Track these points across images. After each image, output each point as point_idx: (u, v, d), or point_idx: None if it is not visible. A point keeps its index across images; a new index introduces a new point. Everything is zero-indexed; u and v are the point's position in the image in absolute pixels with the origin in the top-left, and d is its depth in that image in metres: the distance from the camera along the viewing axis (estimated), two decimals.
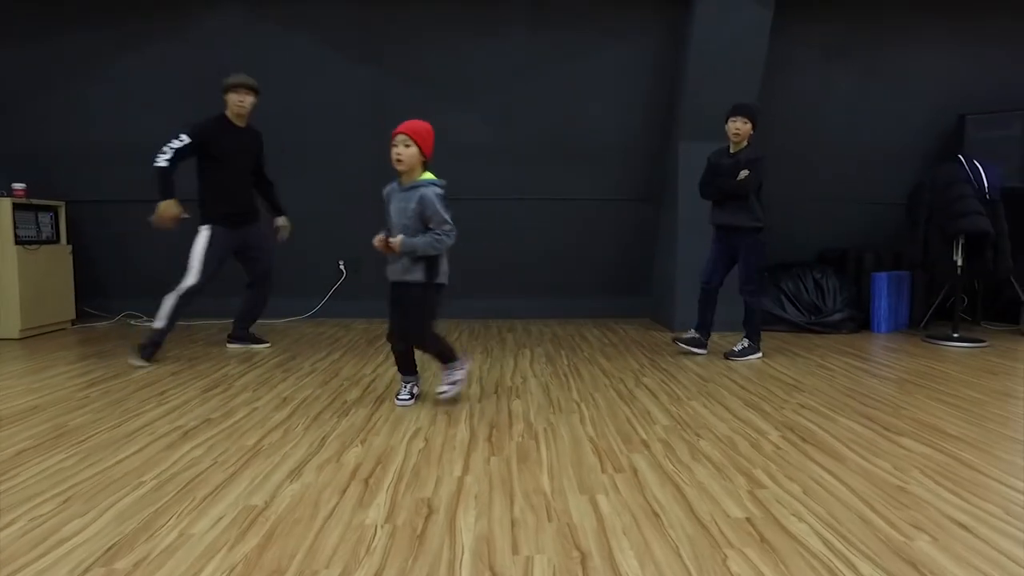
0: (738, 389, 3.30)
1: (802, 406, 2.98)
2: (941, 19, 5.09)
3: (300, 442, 2.45)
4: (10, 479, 2.10)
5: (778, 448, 2.40)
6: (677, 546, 1.67)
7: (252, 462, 2.24)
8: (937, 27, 5.12)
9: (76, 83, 5.16)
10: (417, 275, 2.83)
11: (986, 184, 4.59)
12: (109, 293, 5.65)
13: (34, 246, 4.79)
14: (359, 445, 2.42)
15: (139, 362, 3.77)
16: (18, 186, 4.77)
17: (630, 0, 4.90)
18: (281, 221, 4.34)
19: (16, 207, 4.65)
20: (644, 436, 2.55)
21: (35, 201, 4.86)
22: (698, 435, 2.56)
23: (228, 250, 4.06)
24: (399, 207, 2.83)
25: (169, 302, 3.84)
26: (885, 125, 5.36)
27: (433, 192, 2.80)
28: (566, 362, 3.94)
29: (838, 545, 1.68)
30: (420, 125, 2.80)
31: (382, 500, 1.94)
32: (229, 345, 4.35)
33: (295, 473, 2.14)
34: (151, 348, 3.83)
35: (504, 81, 5.18)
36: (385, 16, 4.95)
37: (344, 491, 2.00)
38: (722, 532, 1.74)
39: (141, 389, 3.24)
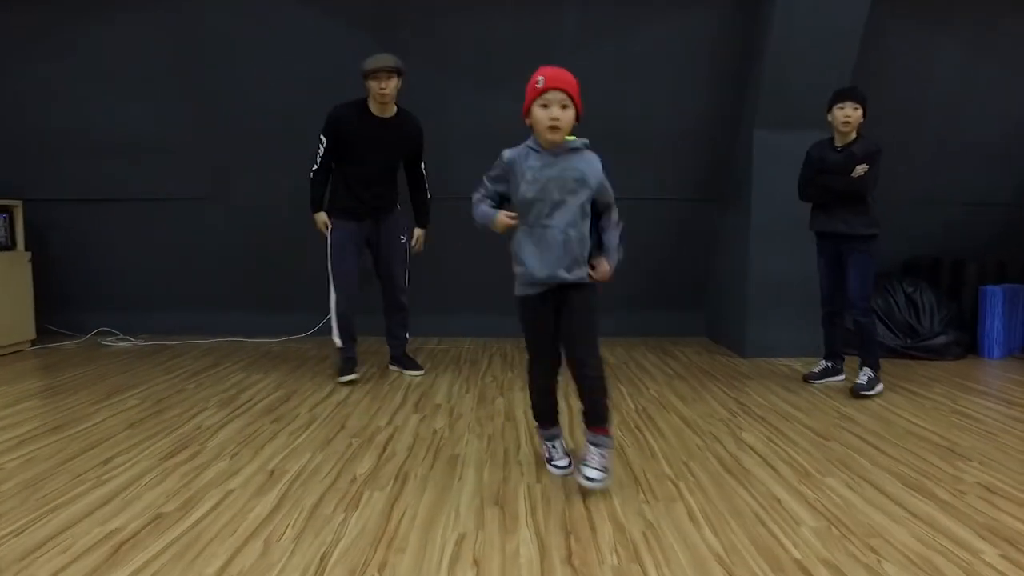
0: (877, 455, 2.46)
1: (988, 489, 2.15)
2: None
3: (286, 567, 1.63)
4: None
5: None
6: None
7: None
8: None
9: (33, 60, 4.34)
10: (583, 272, 2.10)
11: None
12: (78, 307, 4.83)
13: None
14: (376, 574, 1.60)
15: (342, 378, 3.43)
16: None
17: None
18: (417, 232, 3.67)
19: None
20: (796, 553, 1.72)
21: None
22: (873, 550, 1.73)
23: (355, 245, 3.48)
24: (553, 180, 2.06)
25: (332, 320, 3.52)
26: (996, 110, 4.47)
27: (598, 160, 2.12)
28: (632, 405, 3.12)
29: None
30: (571, 77, 2.08)
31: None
32: (390, 366, 3.79)
33: None
34: (343, 366, 3.48)
35: (538, 58, 4.32)
36: None
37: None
38: None
39: (83, 453, 2.42)
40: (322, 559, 1.68)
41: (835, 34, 3.89)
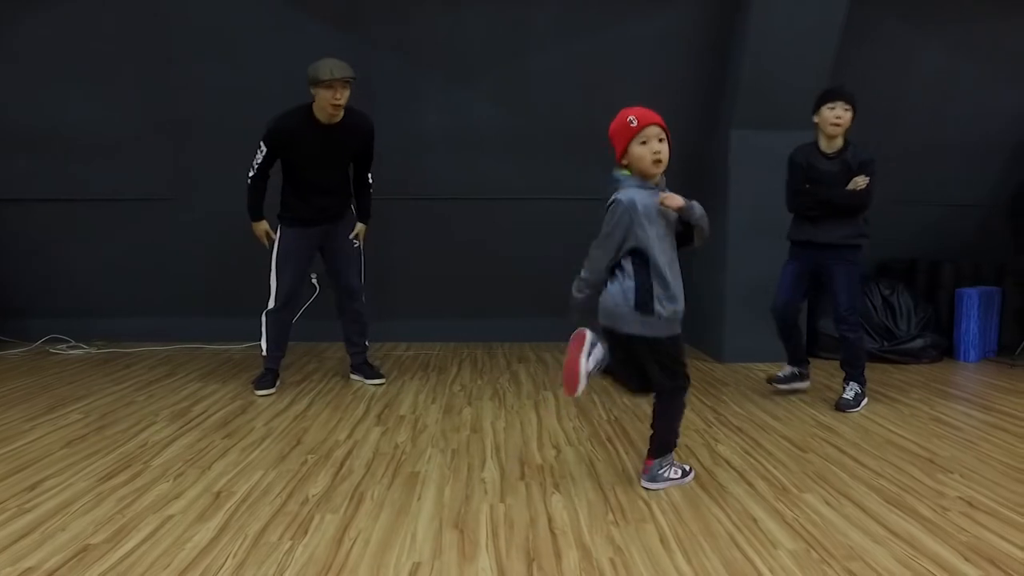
0: (857, 468, 2.37)
1: (968, 503, 2.06)
2: None
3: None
4: None
5: None
6: None
7: None
8: None
9: None
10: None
11: None
12: (26, 312, 4.60)
13: None
14: None
15: (259, 392, 3.28)
16: None
17: None
18: (359, 227, 3.48)
19: None
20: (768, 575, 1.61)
21: None
22: (853, 574, 1.63)
23: (305, 253, 3.36)
24: (669, 219, 2.15)
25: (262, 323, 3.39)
26: (977, 110, 4.42)
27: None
28: (604, 415, 3.00)
29: None
30: (655, 113, 2.11)
31: None
32: (351, 375, 3.62)
33: None
34: (262, 376, 3.37)
35: (512, 54, 4.22)
36: None
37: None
38: None
39: (11, 475, 2.25)
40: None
41: (814, 34, 3.82)
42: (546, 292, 4.11)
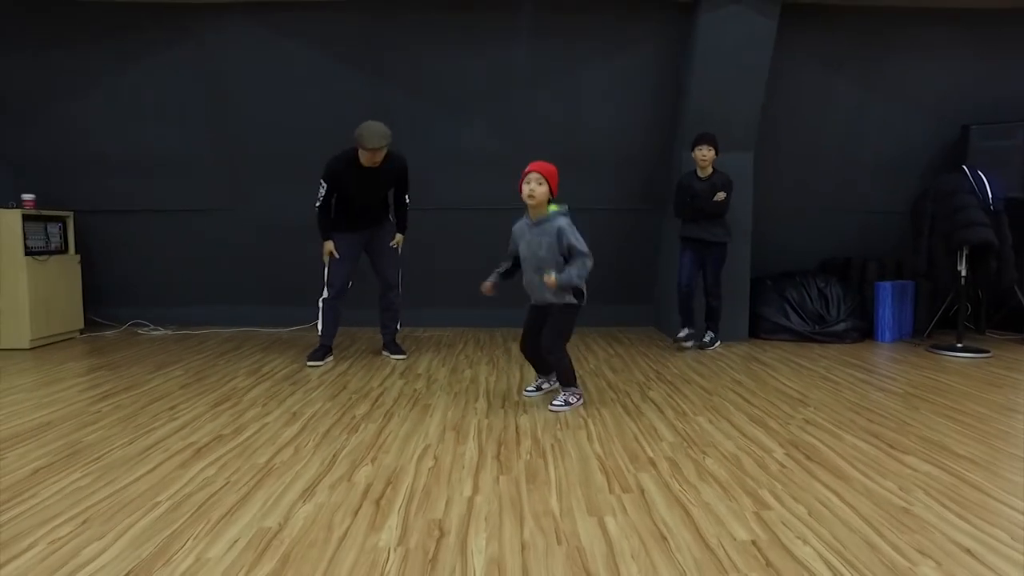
0: (743, 404, 3.32)
1: (808, 422, 3.00)
2: (942, 28, 5.11)
3: (311, 460, 2.48)
4: (28, 499, 2.13)
5: (783, 467, 2.43)
6: (684, 571, 1.70)
7: (265, 481, 2.27)
8: (939, 37, 5.14)
9: (83, 94, 5.20)
10: (569, 298, 3.22)
11: (990, 194, 4.61)
12: (117, 302, 5.70)
13: (43, 256, 4.84)
14: (370, 464, 2.45)
15: (310, 363, 4.15)
16: (27, 197, 4.82)
17: (634, 9, 4.92)
18: (397, 236, 4.39)
19: (26, 218, 4.70)
20: (651, 454, 2.57)
21: (44, 212, 4.91)
22: (704, 453, 2.59)
23: (353, 253, 4.25)
24: (531, 242, 3.20)
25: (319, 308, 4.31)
26: (887, 135, 5.37)
27: (566, 223, 3.15)
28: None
29: (843, 570, 1.70)
30: (550, 166, 3.19)
31: (394, 522, 1.97)
32: (382, 352, 4.54)
33: (308, 493, 2.17)
34: (314, 351, 4.25)
35: (506, 89, 5.21)
36: (385, 26, 4.98)
37: (356, 512, 2.03)
38: (728, 556, 1.77)
39: (152, 403, 3.27)
40: (334, 456, 2.53)
41: (746, 73, 4.78)
42: None
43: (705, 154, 4.51)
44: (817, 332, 5.13)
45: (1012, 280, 4.71)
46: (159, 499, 2.12)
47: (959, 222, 4.58)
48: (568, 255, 3.15)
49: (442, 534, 1.89)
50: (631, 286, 5.76)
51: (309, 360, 4.21)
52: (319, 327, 4.31)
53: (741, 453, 2.58)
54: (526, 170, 3.18)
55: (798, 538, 1.87)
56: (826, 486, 2.24)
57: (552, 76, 5.16)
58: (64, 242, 5.14)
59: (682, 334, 4.76)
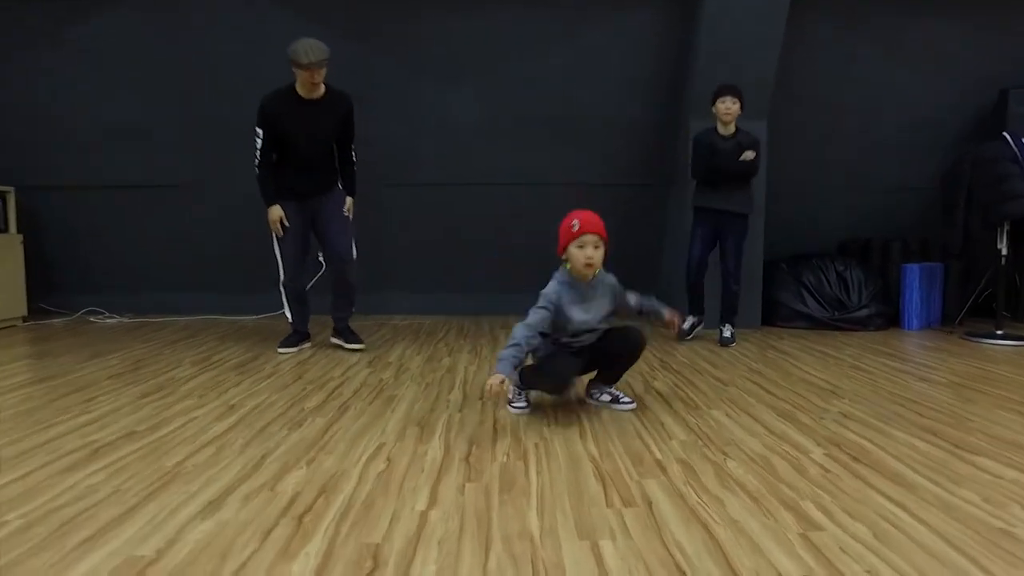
0: (765, 395, 2.82)
1: (845, 416, 2.50)
2: None
3: (232, 463, 1.98)
4: None
5: (827, 471, 1.93)
6: None
7: (163, 491, 1.77)
8: None
9: (29, 54, 4.69)
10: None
11: None
12: (69, 288, 5.18)
13: None
14: (304, 467, 1.95)
15: (281, 349, 3.70)
16: None
17: None
18: (348, 200, 3.77)
19: None
20: (659, 455, 2.07)
21: None
22: (725, 454, 2.09)
23: (301, 225, 3.64)
24: (592, 306, 2.53)
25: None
26: (913, 102, 4.85)
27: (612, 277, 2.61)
28: None
29: None
30: (598, 218, 2.47)
31: (316, 547, 1.46)
32: (331, 339, 3.94)
33: (212, 507, 1.67)
34: (287, 337, 3.78)
35: (497, 56, 4.71)
36: None
37: (268, 533, 1.53)
38: None
39: (68, 395, 2.77)
40: (262, 458, 2.02)
41: (759, 34, 4.28)
42: (529, 267, 4.61)
43: (729, 107, 3.84)
44: (838, 319, 4.63)
45: None
46: (8, 517, 1.62)
47: (1000, 194, 4.07)
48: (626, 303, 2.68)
49: (375, 566, 1.39)
50: (632, 271, 5.21)
51: (280, 347, 3.70)
52: (287, 314, 3.82)
53: (771, 454, 2.08)
54: (578, 228, 2.39)
55: (867, 572, 1.37)
56: (888, 497, 1.74)
57: (546, 39, 4.65)
58: (4, 221, 4.64)
59: (687, 324, 4.10)
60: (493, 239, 5.05)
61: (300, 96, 3.44)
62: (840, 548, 1.46)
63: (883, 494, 1.75)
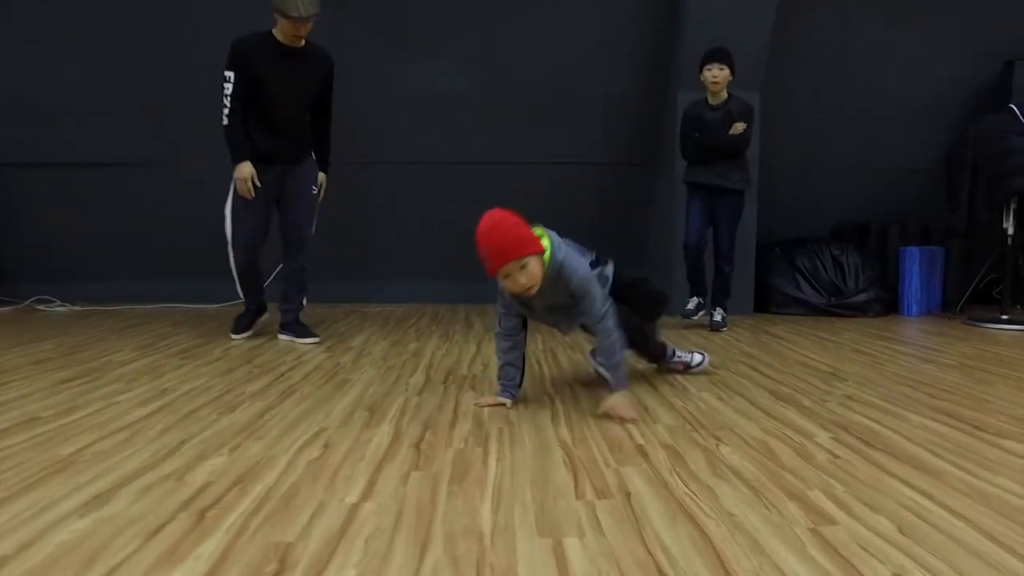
0: (761, 378, 2.56)
1: (850, 398, 2.24)
2: None
3: (142, 450, 1.69)
4: None
5: (836, 457, 1.66)
6: None
7: (45, 482, 1.48)
8: None
9: None
10: None
11: None
12: (15, 275, 4.83)
13: None
14: (225, 454, 1.66)
15: (233, 336, 3.35)
16: None
17: None
18: (321, 177, 3.40)
19: None
20: (640, 440, 1.80)
21: None
22: (718, 439, 1.81)
23: (265, 193, 3.18)
24: (551, 305, 2.11)
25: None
26: (913, 77, 4.60)
27: (582, 270, 2.05)
28: (541, 346, 3.19)
29: None
30: (501, 235, 1.91)
31: (211, 548, 1.17)
32: (279, 335, 3.39)
33: (100, 500, 1.38)
34: (240, 318, 3.43)
35: (470, 25, 4.42)
36: None
37: (158, 531, 1.24)
38: None
39: None
40: (180, 444, 1.73)
41: (752, 2, 4.01)
42: None
43: (716, 74, 3.51)
44: (834, 305, 4.38)
45: None
46: None
47: (1008, 169, 3.83)
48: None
49: (280, 569, 1.10)
50: (617, 253, 4.97)
51: (233, 332, 3.36)
52: (241, 292, 3.41)
53: (770, 438, 1.81)
54: (490, 269, 1.94)
55: (896, 575, 1.09)
56: (910, 485, 1.47)
57: (525, 8, 4.37)
58: None
59: (691, 305, 3.80)
60: (465, 222, 4.73)
61: (280, 43, 3.07)
62: (860, 545, 1.18)
63: (904, 482, 1.49)
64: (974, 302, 4.52)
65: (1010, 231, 3.94)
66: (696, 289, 3.84)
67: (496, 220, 1.94)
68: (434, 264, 4.84)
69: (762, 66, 4.18)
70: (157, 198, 4.70)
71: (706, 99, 3.64)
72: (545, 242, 2.01)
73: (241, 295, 3.45)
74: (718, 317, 3.74)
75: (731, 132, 3.54)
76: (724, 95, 3.59)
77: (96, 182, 4.68)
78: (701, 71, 3.60)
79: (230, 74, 3.05)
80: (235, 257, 3.30)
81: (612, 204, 4.81)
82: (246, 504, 1.36)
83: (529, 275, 1.92)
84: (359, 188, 4.59)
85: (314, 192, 3.37)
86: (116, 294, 4.82)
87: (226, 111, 3.07)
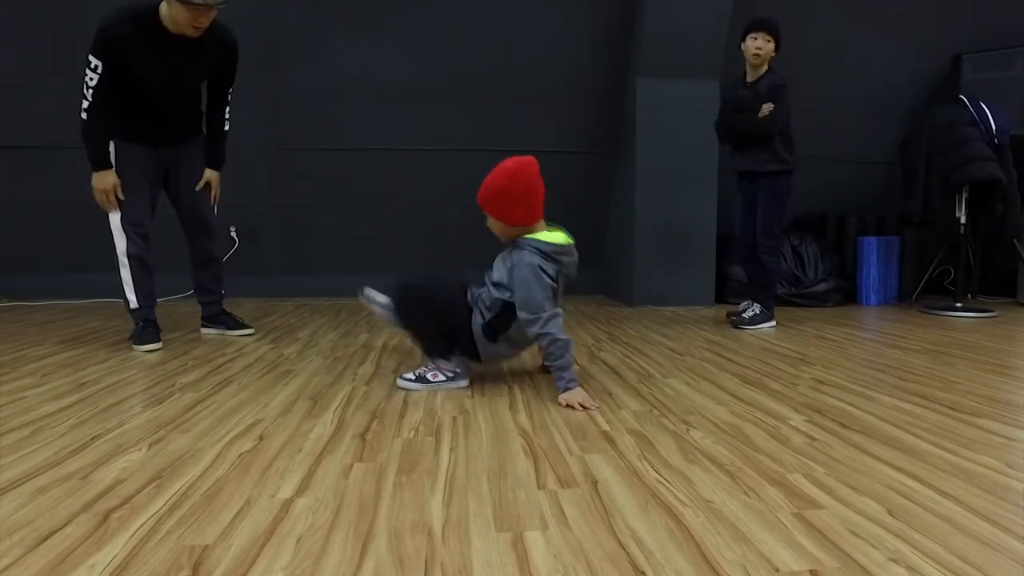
0: (727, 363, 2.47)
1: (820, 382, 2.16)
2: None
3: (45, 447, 1.49)
4: None
5: (813, 439, 1.56)
6: None
7: None
8: None
9: None
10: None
11: (994, 127, 3.91)
12: None
13: None
14: (144, 449, 1.47)
15: (142, 347, 2.66)
16: None
17: None
18: (209, 174, 2.90)
19: None
20: (606, 427, 1.67)
21: None
22: (687, 423, 1.70)
23: (151, 175, 2.73)
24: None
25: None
26: (865, 70, 4.62)
27: (527, 260, 2.01)
28: None
29: None
30: (491, 185, 2.10)
31: (111, 553, 1.00)
32: (202, 330, 3.09)
33: None
34: (143, 330, 2.72)
35: (422, 4, 4.26)
36: None
37: (48, 536, 1.05)
38: None
39: None
40: (92, 439, 1.54)
41: None
42: (465, 241, 4.17)
43: (761, 46, 3.09)
44: (794, 295, 4.35)
45: (1018, 227, 4.02)
46: None
47: (960, 158, 3.85)
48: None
49: (193, 575, 0.94)
50: (580, 249, 4.87)
51: (139, 344, 2.67)
52: (131, 297, 2.74)
53: (742, 422, 1.71)
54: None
55: (891, 560, 0.99)
56: (893, 466, 1.38)
57: None
58: None
59: (743, 305, 3.42)
60: (421, 212, 4.59)
61: (165, 29, 2.47)
62: (850, 530, 1.08)
63: (887, 463, 1.39)
64: (927, 292, 4.56)
65: (963, 220, 3.97)
66: (749, 291, 3.49)
67: (515, 171, 2.09)
68: (391, 255, 4.66)
69: (720, 51, 4.12)
70: (84, 185, 4.39)
71: (744, 75, 3.25)
72: (542, 235, 2.13)
73: (133, 298, 2.74)
74: (747, 313, 3.31)
75: (759, 115, 3.14)
76: (764, 68, 3.18)
77: (29, 165, 4.34)
78: (743, 41, 3.18)
79: (96, 63, 2.45)
80: (126, 240, 2.72)
81: (570, 196, 4.70)
82: (160, 504, 1.18)
83: (490, 223, 2.13)
84: (290, 174, 4.38)
85: (199, 190, 2.87)
86: (52, 287, 4.49)
87: (86, 104, 2.50)
